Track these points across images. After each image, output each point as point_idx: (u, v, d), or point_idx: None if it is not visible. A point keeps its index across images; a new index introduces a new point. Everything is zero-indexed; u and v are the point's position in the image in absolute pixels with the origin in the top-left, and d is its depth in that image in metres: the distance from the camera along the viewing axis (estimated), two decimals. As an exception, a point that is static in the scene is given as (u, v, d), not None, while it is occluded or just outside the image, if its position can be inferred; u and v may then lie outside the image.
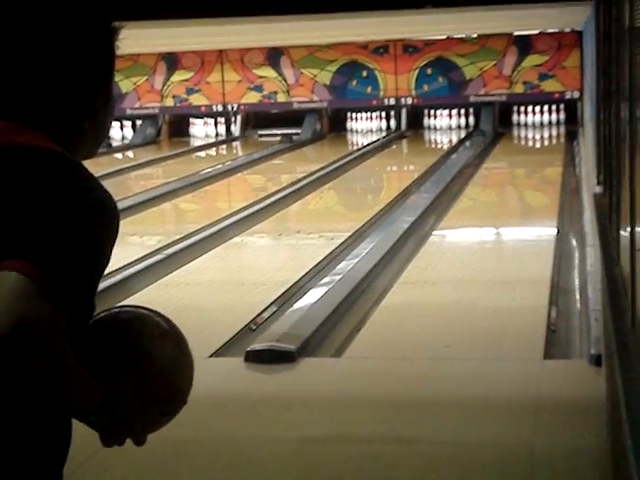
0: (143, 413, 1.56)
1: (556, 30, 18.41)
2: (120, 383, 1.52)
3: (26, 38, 1.45)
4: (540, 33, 18.59)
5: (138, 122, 20.62)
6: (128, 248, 8.50)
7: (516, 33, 18.54)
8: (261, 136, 20.11)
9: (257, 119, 20.48)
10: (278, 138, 19.19)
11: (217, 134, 20.52)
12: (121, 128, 20.65)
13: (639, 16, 2.96)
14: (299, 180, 13.17)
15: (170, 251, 8.38)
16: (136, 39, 14.09)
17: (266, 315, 6.40)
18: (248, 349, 5.22)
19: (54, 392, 1.44)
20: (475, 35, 18.74)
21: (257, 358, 5.11)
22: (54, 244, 1.43)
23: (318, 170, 14.03)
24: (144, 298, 6.89)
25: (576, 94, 18.44)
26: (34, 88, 1.48)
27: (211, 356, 5.38)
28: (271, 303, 6.68)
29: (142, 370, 1.54)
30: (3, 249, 1.42)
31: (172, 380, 1.60)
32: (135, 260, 7.93)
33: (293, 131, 19.56)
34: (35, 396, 1.46)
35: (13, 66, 1.46)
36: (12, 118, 1.49)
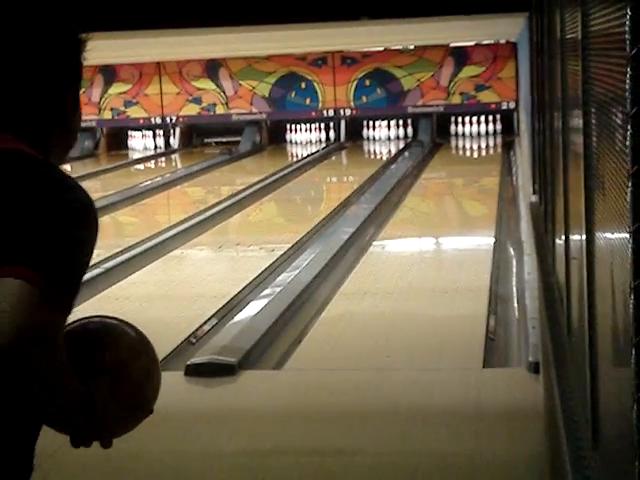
0: (115, 418, 1.60)
1: (492, 41, 18.65)
2: (98, 389, 1.56)
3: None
4: (476, 44, 18.82)
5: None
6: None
7: (452, 44, 18.74)
8: (205, 144, 20.07)
9: (196, 131, 20.43)
10: (218, 150, 19.15)
11: (156, 146, 20.41)
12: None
13: (570, 28, 3.01)
14: (239, 192, 13.15)
15: (109, 265, 8.31)
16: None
17: (206, 328, 6.38)
18: (188, 363, 5.19)
19: (43, 394, 1.47)
20: (412, 46, 18.90)
21: (198, 371, 5.08)
22: (48, 248, 1.46)
23: (258, 182, 14.03)
24: (81, 313, 6.82)
25: (512, 105, 18.68)
26: (5, 97, 1.53)
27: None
28: (211, 316, 6.65)
29: (118, 378, 1.59)
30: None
31: (144, 389, 1.64)
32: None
33: (235, 139, 19.58)
34: (18, 397, 1.47)
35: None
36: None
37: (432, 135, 18.94)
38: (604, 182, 1.82)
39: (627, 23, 1.18)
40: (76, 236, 1.51)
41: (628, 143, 1.22)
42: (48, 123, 1.59)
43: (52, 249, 1.46)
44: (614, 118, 1.59)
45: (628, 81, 1.19)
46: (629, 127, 1.20)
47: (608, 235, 1.73)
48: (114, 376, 1.58)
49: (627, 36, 1.19)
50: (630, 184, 1.21)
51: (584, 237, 2.16)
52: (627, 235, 1.25)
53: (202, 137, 20.41)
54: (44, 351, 1.41)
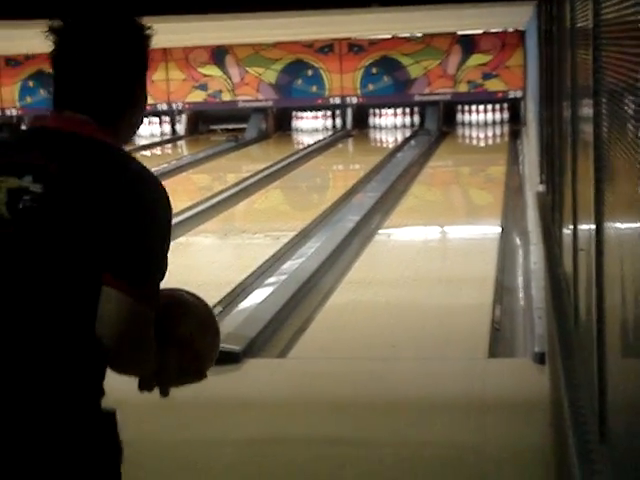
0: (177, 378, 1.89)
1: (499, 30, 18.57)
2: (167, 356, 1.83)
3: (87, 51, 1.85)
4: (484, 33, 18.74)
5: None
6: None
7: (460, 32, 18.66)
8: (211, 131, 20.03)
9: (202, 118, 20.39)
10: (225, 136, 19.12)
11: (162, 133, 20.38)
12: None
13: (580, 17, 2.98)
14: (245, 179, 13.12)
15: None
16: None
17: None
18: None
19: (133, 369, 1.82)
20: (419, 34, 18.83)
21: None
22: (144, 259, 1.76)
23: (264, 169, 14.00)
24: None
25: (519, 93, 18.61)
26: (94, 86, 1.85)
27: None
28: (216, 303, 6.63)
29: (185, 350, 1.87)
30: (95, 258, 1.71)
31: (205, 361, 1.95)
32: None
33: (241, 126, 19.53)
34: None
35: (79, 72, 1.85)
36: (75, 109, 1.85)
37: (439, 123, 18.88)
38: (614, 173, 1.80)
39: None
40: (167, 237, 1.81)
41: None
42: (121, 105, 1.89)
43: (150, 258, 1.77)
44: (626, 108, 1.56)
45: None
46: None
47: (618, 226, 1.71)
48: (182, 348, 1.85)
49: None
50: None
51: (593, 228, 2.14)
52: (639, 233, 1.23)
53: (208, 124, 20.37)
54: (139, 348, 1.75)
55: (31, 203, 1.73)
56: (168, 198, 1.82)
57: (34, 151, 1.79)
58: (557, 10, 4.73)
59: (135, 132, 1.98)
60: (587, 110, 2.44)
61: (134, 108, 1.94)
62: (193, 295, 1.96)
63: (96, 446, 1.79)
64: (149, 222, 1.76)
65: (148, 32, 1.92)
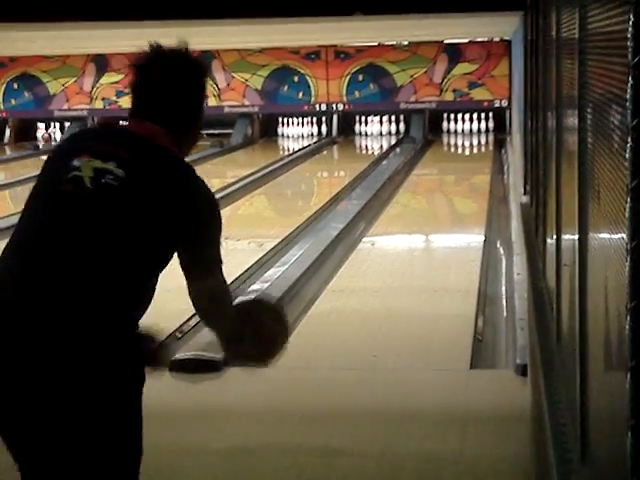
0: (246, 351, 2.57)
1: (485, 39, 18.61)
2: (248, 325, 2.52)
3: (165, 82, 2.44)
4: (470, 42, 18.78)
5: (66, 124, 20.35)
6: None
7: (446, 41, 18.70)
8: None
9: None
10: (210, 141, 19.10)
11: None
12: (46, 129, 20.38)
13: (567, 28, 2.97)
14: (229, 185, 13.09)
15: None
16: (65, 40, 13.74)
17: (193, 322, 6.32)
18: (173, 358, 5.14)
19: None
20: (406, 42, 18.86)
21: (182, 367, 5.03)
22: (216, 243, 2.45)
23: (249, 175, 13.97)
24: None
25: (505, 103, 18.66)
26: (169, 107, 2.44)
27: (135, 365, 5.29)
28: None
29: (259, 336, 2.54)
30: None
31: (273, 345, 2.62)
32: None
33: (227, 131, 19.50)
34: None
35: (158, 96, 2.44)
36: (155, 121, 2.41)
37: (424, 131, 18.91)
38: (599, 187, 1.78)
39: (629, 30, 1.13)
40: (220, 227, 2.45)
41: (628, 156, 1.17)
42: (186, 124, 2.47)
43: (217, 244, 2.43)
44: (611, 122, 1.55)
45: (629, 91, 1.15)
46: (629, 140, 1.15)
47: (603, 243, 1.69)
48: (260, 327, 2.52)
49: (629, 43, 1.14)
50: (629, 199, 1.16)
51: (577, 243, 2.12)
52: (624, 249, 1.21)
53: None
54: (218, 309, 2.48)
55: (112, 182, 2.27)
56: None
57: (118, 146, 2.34)
58: (543, 20, 4.72)
59: (193, 148, 2.54)
60: (572, 121, 2.43)
61: (195, 128, 2.51)
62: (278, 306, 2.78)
63: (130, 360, 2.34)
64: (212, 212, 2.42)
65: (206, 71, 2.56)
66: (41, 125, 20.56)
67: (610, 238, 1.51)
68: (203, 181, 2.42)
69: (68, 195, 2.29)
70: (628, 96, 1.16)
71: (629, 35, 1.15)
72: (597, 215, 1.79)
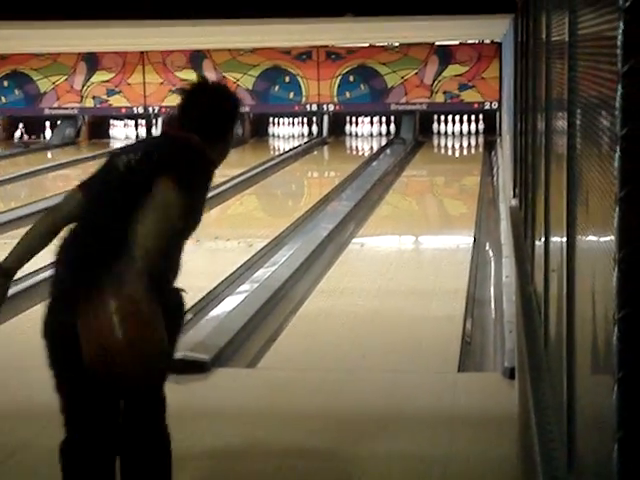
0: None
1: (476, 41, 18.63)
2: None
3: (208, 108, 3.13)
4: (461, 44, 18.79)
5: (57, 122, 20.31)
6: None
7: (437, 43, 18.71)
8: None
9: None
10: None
11: (138, 136, 20.29)
12: (27, 132, 20.36)
13: (556, 31, 2.96)
14: (220, 184, 13.06)
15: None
16: (56, 38, 13.63)
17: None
18: (160, 359, 5.12)
19: None
20: (397, 44, 18.86)
21: (170, 367, 5.01)
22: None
23: (239, 175, 13.95)
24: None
25: (495, 105, 18.68)
26: (207, 123, 3.13)
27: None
28: (186, 311, 6.58)
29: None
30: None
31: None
32: (43, 267, 7.78)
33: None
34: None
35: (201, 115, 3.13)
36: (192, 131, 3.11)
37: (415, 133, 18.92)
38: (588, 192, 1.77)
39: (619, 37, 1.13)
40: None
41: (616, 165, 1.17)
42: (218, 139, 3.15)
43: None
44: (600, 127, 1.54)
45: (618, 99, 1.14)
46: (618, 148, 1.15)
47: (591, 249, 1.68)
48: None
49: (619, 51, 1.13)
50: (617, 208, 1.15)
51: (564, 248, 2.11)
52: (612, 258, 1.20)
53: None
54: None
55: (134, 164, 3.04)
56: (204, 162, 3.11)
57: (149, 145, 3.30)
58: (533, 23, 4.72)
59: (222, 160, 3.18)
60: (561, 124, 2.42)
61: (224, 145, 3.18)
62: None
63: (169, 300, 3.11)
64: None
65: (238, 105, 3.23)
66: (21, 125, 20.50)
67: (598, 245, 1.50)
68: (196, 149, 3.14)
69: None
70: (617, 104, 1.15)
71: (618, 42, 1.14)
72: (585, 221, 1.78)
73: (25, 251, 3.08)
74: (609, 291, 1.30)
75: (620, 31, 1.13)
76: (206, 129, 3.10)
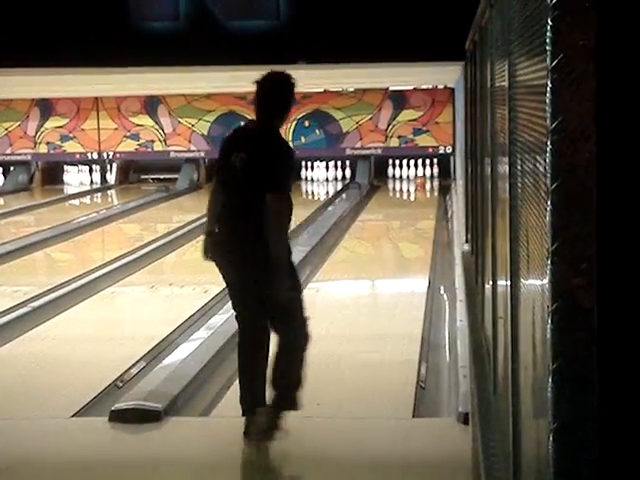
0: None
1: (430, 86, 18.84)
2: None
3: (275, 93, 4.78)
4: (415, 89, 18.99)
5: (10, 168, 20.18)
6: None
7: (391, 88, 18.89)
8: (142, 181, 19.95)
9: (134, 167, 20.29)
10: (156, 186, 19.03)
11: (92, 182, 20.21)
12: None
13: (497, 77, 3.02)
14: (175, 230, 13.03)
15: (38, 303, 8.14)
16: (9, 85, 13.49)
17: (134, 371, 6.25)
18: (112, 408, 5.07)
19: None
20: (352, 89, 19.02)
21: (122, 417, 4.96)
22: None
23: (194, 220, 13.92)
24: (5, 353, 6.67)
25: (449, 149, 18.86)
26: (277, 108, 4.78)
27: (74, 415, 5.21)
28: (140, 358, 6.53)
29: None
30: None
31: None
32: (2, 312, 7.70)
33: (173, 176, 19.48)
34: None
35: (271, 102, 4.76)
36: (267, 117, 4.78)
37: (370, 177, 19.03)
38: (527, 240, 1.79)
39: (547, 95, 1.15)
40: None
41: (548, 220, 1.19)
42: (283, 116, 4.79)
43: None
44: (537, 172, 1.56)
45: (548, 155, 1.16)
46: (549, 203, 1.17)
47: (530, 297, 1.70)
48: None
49: (547, 108, 1.16)
50: (549, 262, 1.17)
51: (509, 295, 2.13)
52: (545, 314, 1.22)
53: (139, 173, 20.28)
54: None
55: (244, 160, 4.66)
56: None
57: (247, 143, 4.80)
58: (480, 70, 4.80)
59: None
60: (503, 169, 2.46)
61: (286, 118, 4.83)
62: None
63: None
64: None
65: (293, 83, 4.74)
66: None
67: (537, 294, 1.51)
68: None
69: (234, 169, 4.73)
70: (547, 159, 1.17)
71: (547, 100, 1.17)
72: (525, 269, 1.80)
73: None
74: (546, 341, 1.31)
75: (548, 89, 1.16)
76: (277, 112, 4.71)
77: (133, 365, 6.37)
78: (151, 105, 19.60)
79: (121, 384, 5.94)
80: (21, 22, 7.03)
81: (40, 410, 5.43)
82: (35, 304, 8.09)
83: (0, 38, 7.07)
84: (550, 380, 1.18)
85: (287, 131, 19.61)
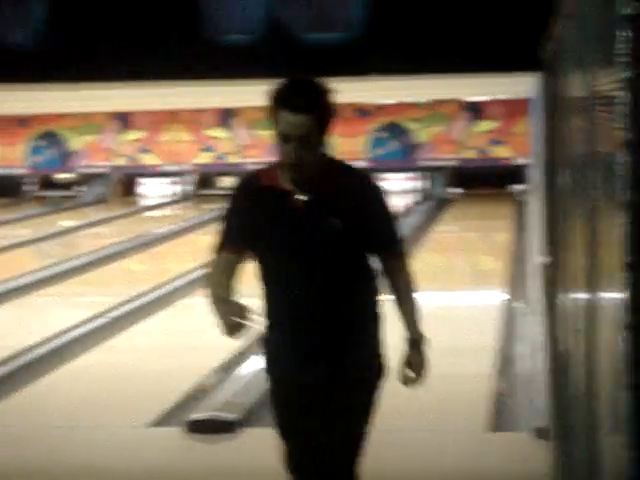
0: None
1: (506, 97, 18.67)
2: None
3: (317, 107, 3.22)
4: (490, 100, 18.85)
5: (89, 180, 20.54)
6: (74, 310, 8.37)
7: (467, 99, 18.78)
8: (217, 192, 20.18)
9: (210, 179, 20.52)
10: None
11: (169, 194, 20.46)
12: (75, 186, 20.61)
13: (576, 87, 2.98)
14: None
15: (116, 314, 8.26)
16: (88, 99, 13.75)
17: (210, 382, 6.30)
18: (188, 419, 5.11)
19: None
20: (426, 100, 18.95)
21: (197, 428, 5.00)
22: None
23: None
24: (83, 363, 6.77)
25: (525, 161, 18.65)
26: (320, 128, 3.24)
27: (150, 425, 5.27)
28: (216, 368, 6.57)
29: None
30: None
31: None
32: (80, 322, 7.82)
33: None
34: None
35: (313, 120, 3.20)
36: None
37: (445, 189, 18.92)
38: (605, 250, 1.76)
39: (625, 107, 1.13)
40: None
41: (624, 231, 1.17)
42: (324, 136, 3.28)
43: None
44: (613, 182, 1.53)
45: (625, 167, 1.14)
46: (625, 215, 1.15)
47: (607, 311, 1.67)
48: None
49: (624, 120, 1.14)
50: (627, 275, 1.15)
51: (585, 307, 2.10)
52: (621, 327, 1.20)
53: (215, 185, 20.44)
54: None
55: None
56: None
57: None
58: (557, 81, 4.75)
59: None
60: (583, 181, 2.42)
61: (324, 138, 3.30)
62: None
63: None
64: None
65: (326, 91, 3.30)
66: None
67: (613, 306, 1.49)
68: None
69: None
70: (623, 172, 1.15)
71: (624, 111, 1.15)
72: (602, 280, 1.77)
73: None
74: (622, 354, 1.29)
75: (625, 100, 1.14)
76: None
77: (209, 375, 6.42)
78: (226, 117, 19.76)
79: (198, 394, 5.99)
80: (100, 37, 7.16)
81: (117, 419, 5.50)
82: (113, 315, 8.21)
83: (79, 53, 7.21)
84: (626, 395, 1.16)
85: (362, 143, 19.62)
